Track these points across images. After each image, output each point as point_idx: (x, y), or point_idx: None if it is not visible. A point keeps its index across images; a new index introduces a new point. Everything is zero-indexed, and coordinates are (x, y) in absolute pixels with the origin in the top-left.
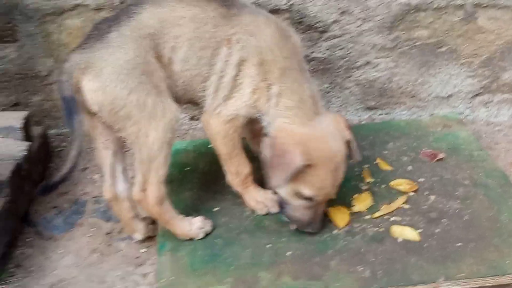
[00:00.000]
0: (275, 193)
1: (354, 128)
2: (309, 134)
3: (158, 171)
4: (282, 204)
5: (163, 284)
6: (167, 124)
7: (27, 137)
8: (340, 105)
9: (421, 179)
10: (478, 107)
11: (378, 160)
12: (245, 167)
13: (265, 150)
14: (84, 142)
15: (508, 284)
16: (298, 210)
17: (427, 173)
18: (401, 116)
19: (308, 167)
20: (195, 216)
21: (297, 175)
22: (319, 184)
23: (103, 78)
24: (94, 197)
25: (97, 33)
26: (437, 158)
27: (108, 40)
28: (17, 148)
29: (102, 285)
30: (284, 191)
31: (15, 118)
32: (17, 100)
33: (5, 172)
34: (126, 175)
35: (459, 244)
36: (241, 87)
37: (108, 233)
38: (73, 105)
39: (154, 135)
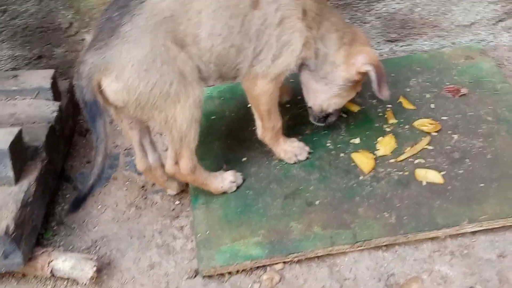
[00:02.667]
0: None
1: None
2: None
3: (189, 145)
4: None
5: (201, 238)
6: (191, 105)
7: (56, 94)
8: None
9: (444, 117)
10: (501, 32)
11: (401, 99)
12: (279, 121)
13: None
14: (108, 145)
15: None
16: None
17: (450, 110)
18: (422, 47)
19: None
20: (226, 170)
21: None
22: None
23: (124, 78)
24: (125, 149)
25: (110, 26)
26: (460, 94)
27: (123, 34)
28: (49, 109)
29: (143, 240)
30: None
31: (44, 77)
32: (41, 53)
33: (40, 137)
34: (154, 145)
35: (482, 184)
36: (291, 43)
37: (142, 186)
38: (96, 109)
39: (181, 117)
